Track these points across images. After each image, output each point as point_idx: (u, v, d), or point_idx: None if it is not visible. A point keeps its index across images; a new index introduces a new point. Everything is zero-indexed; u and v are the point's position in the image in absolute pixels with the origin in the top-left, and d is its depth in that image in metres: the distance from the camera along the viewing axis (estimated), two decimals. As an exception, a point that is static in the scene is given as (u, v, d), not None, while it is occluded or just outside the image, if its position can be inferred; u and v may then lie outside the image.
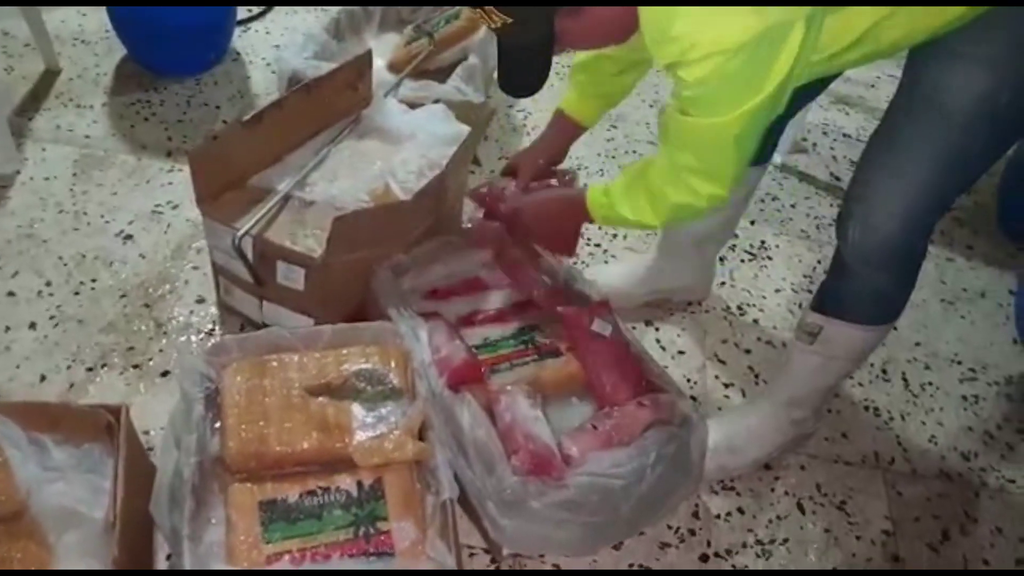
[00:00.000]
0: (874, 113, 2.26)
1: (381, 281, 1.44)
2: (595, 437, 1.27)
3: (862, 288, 1.28)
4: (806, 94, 1.38)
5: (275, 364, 1.25)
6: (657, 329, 1.70)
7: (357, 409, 1.22)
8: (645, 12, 1.02)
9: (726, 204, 1.21)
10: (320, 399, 1.22)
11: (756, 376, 1.65)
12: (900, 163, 1.18)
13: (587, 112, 1.46)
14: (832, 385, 1.45)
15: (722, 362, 1.67)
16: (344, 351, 1.28)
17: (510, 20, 1.02)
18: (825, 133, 2.23)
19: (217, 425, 1.23)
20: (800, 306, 1.80)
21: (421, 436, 1.22)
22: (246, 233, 1.43)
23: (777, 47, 0.97)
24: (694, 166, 1.12)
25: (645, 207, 1.21)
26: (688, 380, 1.62)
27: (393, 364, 1.26)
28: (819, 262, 1.89)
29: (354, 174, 1.57)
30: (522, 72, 1.11)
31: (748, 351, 1.69)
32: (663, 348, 1.67)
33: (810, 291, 1.83)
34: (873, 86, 2.34)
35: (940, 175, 1.17)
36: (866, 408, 1.62)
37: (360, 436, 1.19)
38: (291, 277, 1.46)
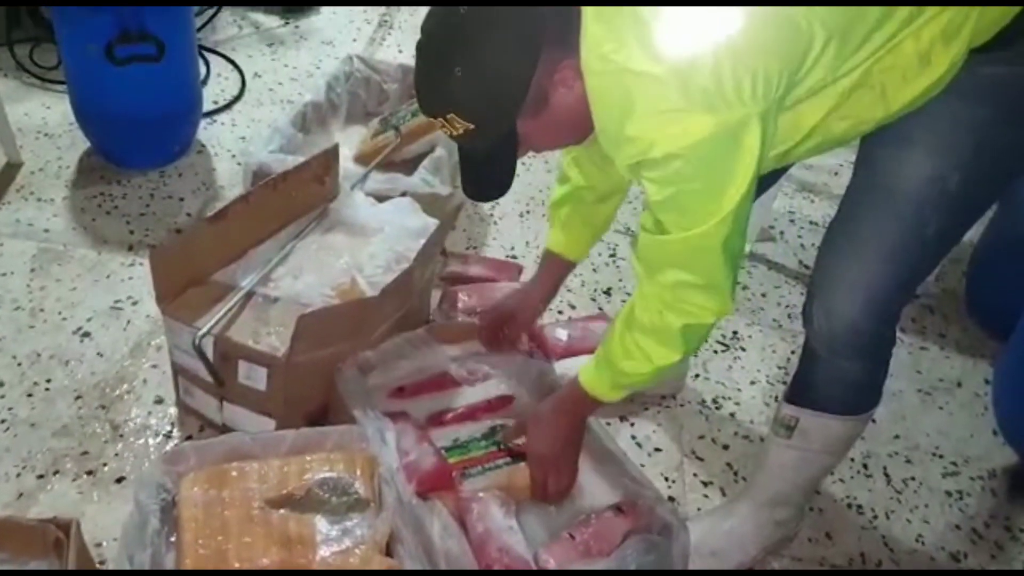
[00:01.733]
0: (838, 200, 2.27)
1: (346, 380, 1.39)
2: (572, 548, 1.21)
3: (833, 376, 1.26)
4: (766, 181, 1.38)
5: (235, 474, 1.19)
6: (632, 424, 1.65)
7: (321, 522, 1.15)
8: (598, 113, 1.02)
9: (731, 313, 1.20)
10: (282, 512, 1.15)
11: (735, 473, 1.60)
12: (857, 249, 1.18)
13: (575, 246, 1.47)
14: (814, 480, 1.41)
15: (700, 459, 1.62)
16: (308, 458, 1.21)
17: (472, 127, 1.00)
18: (792, 221, 2.24)
19: (173, 539, 1.16)
20: (776, 398, 1.76)
21: (389, 550, 1.16)
22: (207, 333, 1.38)
23: (738, 143, 0.96)
24: (688, 281, 1.08)
25: (654, 348, 1.14)
26: (666, 479, 1.57)
27: (359, 471, 1.21)
28: (793, 352, 1.86)
29: (320, 269, 1.53)
30: (488, 176, 1.10)
31: (726, 447, 1.65)
32: (639, 445, 1.62)
33: (785, 382, 1.79)
34: (836, 173, 2.36)
35: (898, 260, 1.17)
36: (849, 506, 1.57)
37: (324, 552, 1.12)
38: (253, 377, 1.40)
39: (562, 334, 1.69)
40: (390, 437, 1.29)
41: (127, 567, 1.11)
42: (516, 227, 2.11)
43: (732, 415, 1.72)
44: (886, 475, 1.64)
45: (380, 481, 1.22)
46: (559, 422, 1.28)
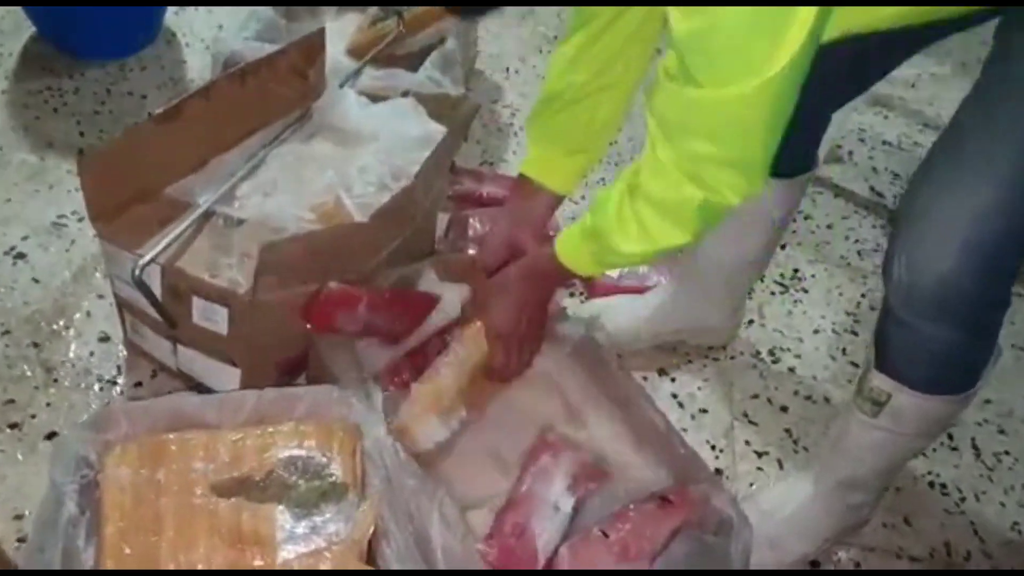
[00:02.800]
0: (916, 117, 1.95)
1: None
2: (604, 549, 0.95)
3: (915, 344, 0.97)
4: (842, 86, 1.12)
5: (175, 448, 0.92)
6: (673, 380, 1.38)
7: (284, 515, 0.89)
8: None
9: (759, 197, 0.91)
10: (233, 500, 0.89)
11: (795, 441, 1.34)
12: (969, 180, 0.88)
13: (558, 170, 1.17)
14: (900, 464, 1.14)
15: (753, 423, 1.35)
16: (270, 429, 0.95)
17: None
18: (862, 140, 1.92)
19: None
20: (844, 351, 1.49)
21: (372, 548, 0.90)
22: (151, 261, 1.10)
23: None
24: (716, 156, 0.83)
25: (659, 225, 0.91)
26: (713, 448, 1.30)
27: (336, 447, 0.94)
28: (863, 296, 1.58)
29: (298, 185, 1.24)
30: None
31: (784, 408, 1.38)
32: (681, 405, 1.35)
33: (855, 332, 1.52)
34: (913, 85, 2.03)
35: (1020, 188, 0.86)
36: (931, 485, 1.31)
37: (287, 553, 0.87)
38: (210, 317, 1.13)
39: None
40: (379, 401, 1.02)
41: (37, 559, 0.86)
42: (537, 139, 1.81)
43: (792, 370, 1.44)
44: (975, 448, 1.37)
45: (364, 460, 0.95)
46: (524, 291, 1.10)
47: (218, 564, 0.85)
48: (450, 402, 1.06)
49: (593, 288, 1.47)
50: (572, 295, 1.47)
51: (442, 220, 1.47)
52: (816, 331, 1.51)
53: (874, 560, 1.20)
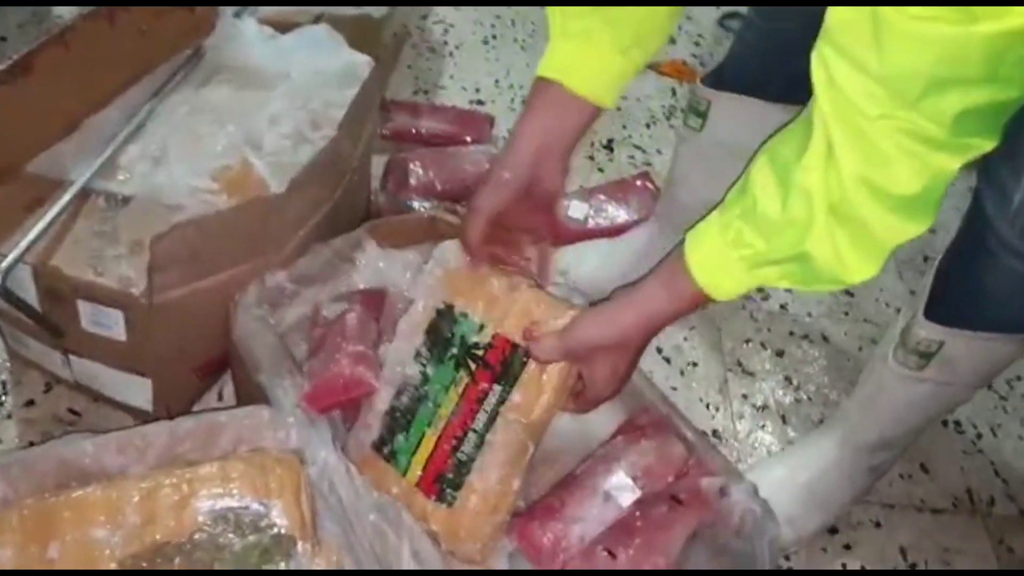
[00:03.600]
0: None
1: (245, 323, 0.91)
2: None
3: (1011, 280, 0.83)
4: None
5: (68, 514, 0.72)
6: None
7: (218, 585, 0.71)
8: None
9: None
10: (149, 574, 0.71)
11: (796, 388, 1.20)
12: None
13: (602, 71, 0.78)
14: (939, 417, 1.01)
15: (748, 373, 1.21)
16: (187, 475, 0.75)
17: None
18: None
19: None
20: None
21: (333, 610, 0.73)
22: (17, 261, 0.87)
23: None
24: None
25: (856, 244, 0.65)
26: (708, 407, 1.15)
27: (275, 488, 0.75)
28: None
29: (194, 146, 1.01)
30: None
31: (780, 353, 1.24)
32: (667, 360, 1.20)
33: (845, 255, 1.37)
34: None
35: None
36: (944, 424, 1.19)
37: (227, 634, 0.69)
38: (103, 323, 0.91)
39: (578, 210, 1.22)
40: (327, 429, 0.83)
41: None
42: (479, 59, 1.58)
43: (783, 307, 1.29)
44: (986, 376, 1.25)
45: (311, 498, 0.77)
46: (644, 342, 0.77)
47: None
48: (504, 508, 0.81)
49: (558, 233, 1.28)
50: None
51: (376, 165, 1.25)
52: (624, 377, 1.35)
53: (895, 518, 1.08)
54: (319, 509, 0.76)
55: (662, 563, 0.80)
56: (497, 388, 0.79)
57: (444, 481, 0.80)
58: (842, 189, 0.63)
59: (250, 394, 0.89)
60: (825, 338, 1.26)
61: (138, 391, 0.97)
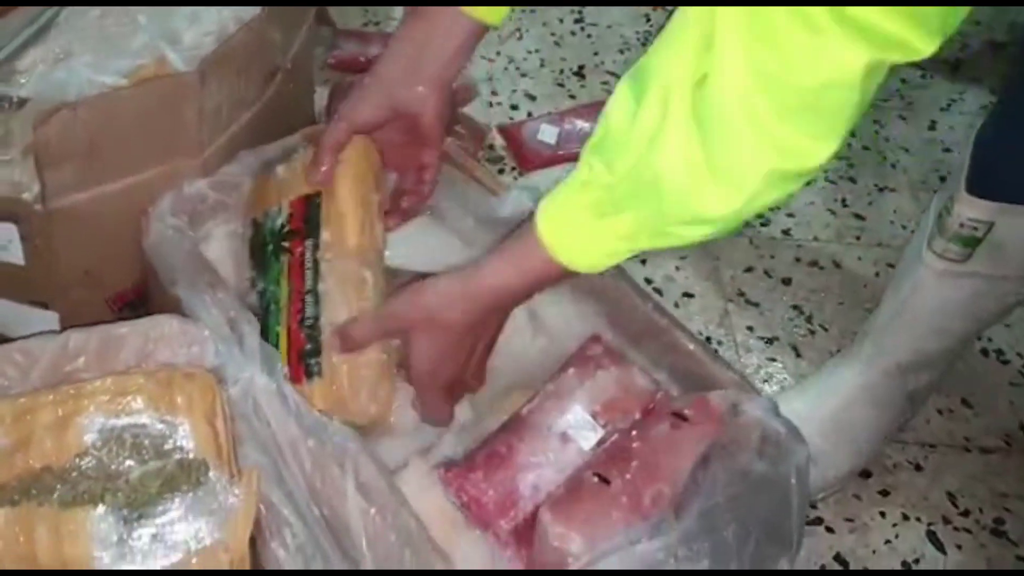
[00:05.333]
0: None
1: (158, 231, 0.76)
2: (607, 503, 0.64)
3: None
4: None
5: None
6: (643, 262, 1.08)
7: (105, 521, 0.56)
8: None
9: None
10: (21, 508, 0.56)
11: (808, 319, 1.06)
12: None
13: None
14: (987, 327, 0.88)
15: (752, 303, 1.07)
16: (71, 390, 0.61)
17: None
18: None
19: None
20: (844, 202, 1.21)
21: (256, 554, 0.59)
22: None
23: None
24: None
25: (719, 159, 0.51)
26: (709, 340, 1.02)
27: (183, 406, 0.61)
28: (853, 135, 1.30)
29: (103, 47, 0.87)
30: None
31: (787, 280, 1.10)
32: (659, 292, 1.06)
33: (852, 179, 1.24)
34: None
35: None
36: (984, 353, 1.05)
37: (115, 582, 0.54)
38: (-5, 242, 0.77)
39: (549, 133, 1.10)
40: (251, 332, 0.68)
41: None
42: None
43: (787, 233, 1.16)
44: None
45: (230, 420, 0.63)
46: (474, 330, 0.65)
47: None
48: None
49: (525, 159, 1.15)
50: (502, 171, 1.15)
51: (321, 95, 1.12)
52: (807, 182, 1.22)
53: (936, 459, 0.94)
54: (240, 434, 0.62)
55: (666, 490, 0.66)
56: (308, 243, 0.72)
57: (304, 355, 0.69)
58: (717, 81, 0.48)
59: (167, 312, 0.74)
60: (836, 264, 1.12)
61: (45, 328, 0.83)
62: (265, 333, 0.70)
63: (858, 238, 1.16)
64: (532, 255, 0.58)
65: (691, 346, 0.76)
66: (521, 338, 0.81)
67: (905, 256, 0.84)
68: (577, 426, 0.70)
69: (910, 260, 0.82)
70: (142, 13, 0.89)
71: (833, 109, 0.48)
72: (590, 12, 1.44)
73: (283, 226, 0.74)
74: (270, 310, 0.72)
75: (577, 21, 1.42)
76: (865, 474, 0.91)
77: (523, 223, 0.61)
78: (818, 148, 0.49)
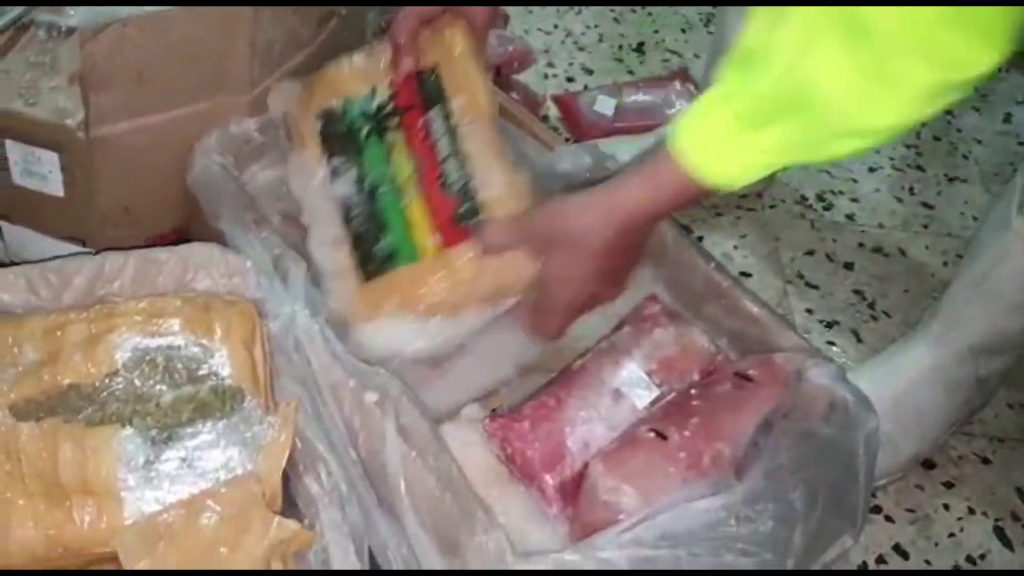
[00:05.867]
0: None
1: (203, 167, 0.74)
2: (662, 459, 0.60)
3: None
4: None
5: (-55, 350, 0.55)
6: (701, 239, 1.04)
7: (133, 442, 0.53)
8: None
9: None
10: (46, 424, 0.53)
11: (871, 305, 1.01)
12: None
13: None
14: None
15: (812, 286, 1.02)
16: (104, 310, 0.58)
17: None
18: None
19: None
20: (912, 191, 1.15)
21: (289, 490, 0.55)
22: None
23: None
24: None
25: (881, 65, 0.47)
26: (767, 319, 0.97)
27: (220, 333, 0.58)
28: (923, 124, 1.24)
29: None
30: None
31: (849, 265, 1.05)
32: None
33: (920, 168, 1.19)
34: None
35: None
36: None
37: (143, 504, 0.51)
38: (37, 172, 0.76)
39: (607, 104, 1.07)
40: (298, 272, 0.65)
41: None
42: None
43: (850, 218, 1.10)
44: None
45: (269, 351, 0.59)
46: (622, 239, 0.59)
47: (22, 538, 0.49)
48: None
49: (580, 130, 1.11)
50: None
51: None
52: (872, 168, 1.17)
53: (1005, 453, 0.88)
54: (278, 366, 0.59)
55: (727, 451, 0.61)
56: (434, 112, 0.69)
57: (461, 217, 0.66)
58: None
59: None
60: (902, 251, 1.07)
61: (81, 268, 0.80)
62: (377, 215, 0.67)
63: (926, 227, 1.10)
64: (668, 173, 0.54)
65: (755, 309, 0.72)
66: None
67: (986, 226, 0.79)
68: (631, 383, 0.66)
69: (993, 229, 0.77)
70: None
71: (995, 18, 0.44)
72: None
73: (382, 106, 0.70)
74: (379, 192, 0.68)
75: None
76: (928, 464, 0.86)
77: (648, 151, 0.57)
78: (980, 57, 0.46)
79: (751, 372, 0.65)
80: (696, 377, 0.67)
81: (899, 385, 0.82)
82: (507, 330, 0.76)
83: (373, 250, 0.67)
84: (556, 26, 1.30)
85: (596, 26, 1.32)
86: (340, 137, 0.71)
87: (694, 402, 0.63)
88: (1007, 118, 1.28)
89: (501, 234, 0.64)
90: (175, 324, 0.56)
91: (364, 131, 0.70)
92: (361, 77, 0.72)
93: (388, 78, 0.71)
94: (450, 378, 0.72)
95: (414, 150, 0.68)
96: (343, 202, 0.69)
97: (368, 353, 0.63)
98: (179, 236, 0.83)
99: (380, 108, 0.70)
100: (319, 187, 0.70)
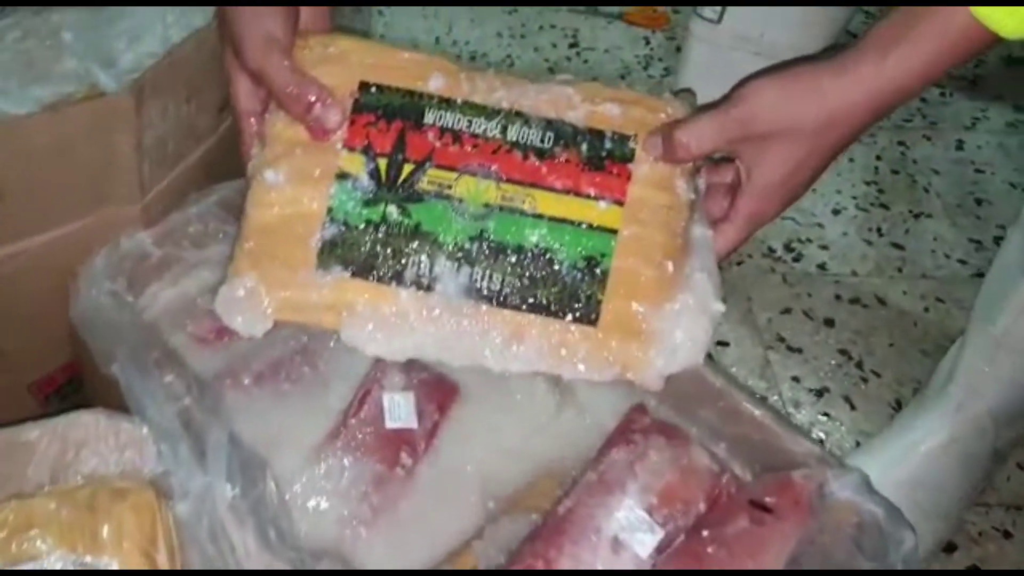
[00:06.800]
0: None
1: (89, 298, 0.61)
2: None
3: None
4: None
5: None
6: (667, 306, 0.94)
7: None
8: None
9: None
10: None
11: (858, 365, 0.92)
12: None
13: None
14: None
15: (794, 349, 0.93)
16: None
17: None
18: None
19: None
20: (880, 231, 1.08)
21: None
22: None
23: None
24: None
25: None
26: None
27: (108, 538, 0.45)
28: (879, 157, 1.18)
29: (25, 74, 0.72)
30: None
31: (829, 322, 0.96)
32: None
33: (884, 206, 1.12)
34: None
35: None
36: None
37: None
38: None
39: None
40: (217, 432, 0.52)
41: None
42: (415, 16, 1.33)
43: (822, 267, 1.02)
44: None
45: (176, 543, 0.47)
46: (833, 147, 0.49)
47: None
48: None
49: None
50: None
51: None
52: (836, 211, 1.10)
53: (1026, 524, 0.80)
54: (190, 563, 0.46)
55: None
56: (430, 112, 0.53)
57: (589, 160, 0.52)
58: None
59: (105, 400, 0.58)
60: (881, 300, 0.99)
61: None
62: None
63: (900, 270, 1.03)
64: (935, 26, 0.44)
65: (756, 412, 0.62)
66: (544, 410, 0.66)
67: (997, 274, 0.71)
68: (631, 527, 0.55)
69: (1008, 277, 0.68)
70: (69, 30, 0.75)
71: None
72: (584, 37, 1.31)
73: (388, 169, 0.52)
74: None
75: (572, 46, 1.30)
76: (949, 548, 0.77)
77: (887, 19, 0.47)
78: None
79: (768, 500, 0.55)
80: (702, 507, 0.57)
81: (914, 465, 0.74)
82: (471, 444, 0.66)
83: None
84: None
85: (527, 76, 1.23)
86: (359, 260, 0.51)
87: (709, 548, 0.53)
88: (959, 145, 1.22)
89: (698, 135, 0.49)
90: (48, 541, 0.43)
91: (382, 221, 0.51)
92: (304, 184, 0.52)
93: (333, 154, 0.52)
94: (407, 526, 0.61)
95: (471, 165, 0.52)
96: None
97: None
98: (71, 373, 0.70)
99: (387, 174, 0.52)
100: None
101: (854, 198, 1.12)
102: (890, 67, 0.46)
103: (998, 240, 1.07)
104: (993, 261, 0.74)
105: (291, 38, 0.53)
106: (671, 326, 0.51)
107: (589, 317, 0.50)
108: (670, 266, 0.51)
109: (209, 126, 0.71)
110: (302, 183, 0.52)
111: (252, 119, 0.55)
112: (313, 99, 0.51)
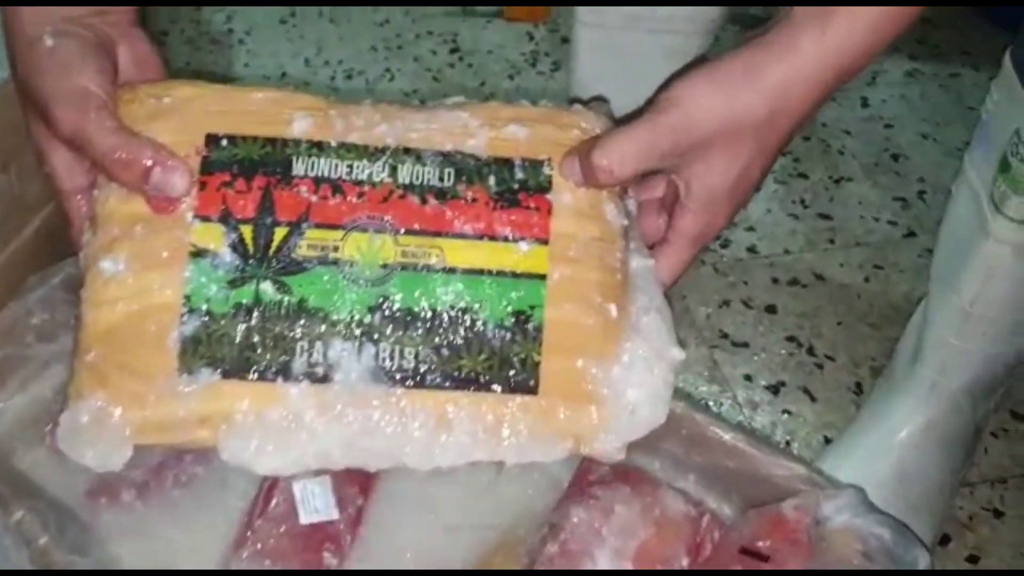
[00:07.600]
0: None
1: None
2: None
3: None
4: None
5: None
6: (598, 318, 0.86)
7: None
8: None
9: None
10: None
11: (809, 350, 0.86)
12: None
13: None
14: None
15: (740, 344, 0.86)
16: None
17: None
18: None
19: None
20: (804, 203, 1.03)
21: None
22: None
23: None
24: None
25: None
26: (706, 405, 0.80)
27: None
28: (808, 139, 1.13)
29: None
30: None
31: (771, 308, 0.90)
32: (629, 352, 0.84)
33: (803, 175, 1.06)
34: None
35: None
36: None
37: None
38: None
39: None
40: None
41: None
42: (279, 41, 1.22)
43: (752, 250, 0.96)
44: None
45: None
46: (781, 140, 0.44)
47: None
48: None
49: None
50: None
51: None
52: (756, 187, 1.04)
53: (1013, 495, 0.74)
54: None
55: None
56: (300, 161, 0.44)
57: (499, 195, 0.44)
58: None
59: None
60: (819, 277, 0.93)
61: None
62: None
63: (832, 241, 0.98)
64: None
65: (725, 436, 0.54)
66: (483, 471, 0.57)
67: (948, 241, 0.65)
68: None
69: (964, 244, 0.62)
70: None
71: None
72: (465, 40, 1.23)
73: (254, 242, 0.43)
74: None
75: (453, 51, 1.21)
76: (942, 540, 0.71)
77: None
78: None
79: (761, 545, 0.47)
80: (685, 562, 0.49)
81: (894, 458, 0.68)
82: (404, 526, 0.57)
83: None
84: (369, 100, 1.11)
85: (415, 91, 1.13)
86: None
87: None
88: (864, 102, 1.18)
89: (621, 158, 0.42)
90: None
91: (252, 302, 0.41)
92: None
93: (184, 228, 0.42)
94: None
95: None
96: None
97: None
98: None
99: (254, 244, 0.42)
100: None
101: (771, 172, 1.06)
102: (832, 39, 0.40)
103: (922, 195, 1.04)
104: (942, 223, 0.68)
105: (111, 91, 0.43)
106: (624, 382, 0.42)
107: (527, 384, 0.42)
108: (613, 309, 0.43)
109: (39, 196, 0.60)
110: (148, 269, 0.41)
111: (79, 197, 0.45)
112: (149, 163, 0.41)
